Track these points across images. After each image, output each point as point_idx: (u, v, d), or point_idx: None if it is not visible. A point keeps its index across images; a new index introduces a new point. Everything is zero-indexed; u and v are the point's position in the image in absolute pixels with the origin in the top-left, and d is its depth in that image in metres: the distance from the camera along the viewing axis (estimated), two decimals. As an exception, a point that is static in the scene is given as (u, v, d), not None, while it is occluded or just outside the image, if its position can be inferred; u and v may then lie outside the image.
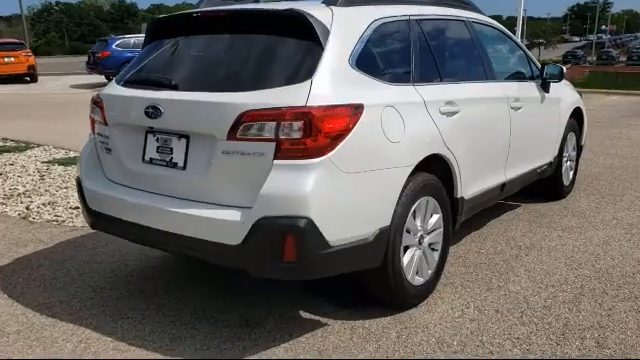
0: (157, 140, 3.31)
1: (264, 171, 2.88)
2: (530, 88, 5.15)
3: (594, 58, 61.71)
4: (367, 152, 3.08)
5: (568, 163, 6.13)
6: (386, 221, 3.22)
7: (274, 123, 2.87)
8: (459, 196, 3.94)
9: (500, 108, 4.50)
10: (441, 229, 3.81)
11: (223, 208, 3.01)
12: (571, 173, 6.28)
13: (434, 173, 3.62)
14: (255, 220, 2.85)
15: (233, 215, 2.93)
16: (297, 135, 2.85)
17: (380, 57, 3.50)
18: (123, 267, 4.32)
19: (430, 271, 3.75)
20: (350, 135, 2.96)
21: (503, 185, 4.67)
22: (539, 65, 5.43)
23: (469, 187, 4.07)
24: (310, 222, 2.81)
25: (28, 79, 23.78)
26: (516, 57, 5.23)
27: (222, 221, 2.93)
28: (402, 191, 3.29)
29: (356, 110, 3.02)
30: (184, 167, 3.18)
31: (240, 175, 2.97)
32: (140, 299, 3.77)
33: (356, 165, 3.01)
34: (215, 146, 3.01)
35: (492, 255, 4.54)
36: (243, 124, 2.91)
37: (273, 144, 2.87)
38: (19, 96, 18.79)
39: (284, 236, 2.82)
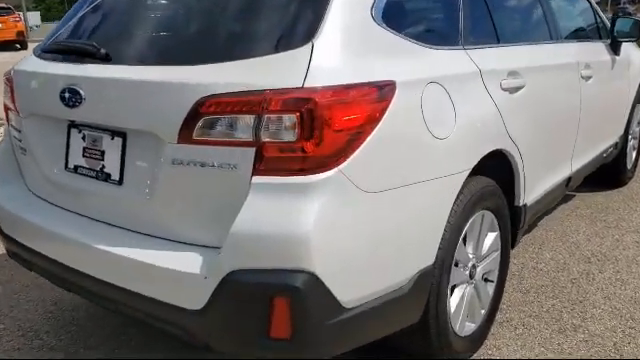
0: (83, 139, 2.20)
1: (237, 194, 1.76)
2: (599, 50, 3.96)
3: (609, 15, 59.38)
4: (401, 158, 1.96)
5: (631, 142, 4.96)
6: (429, 258, 2.11)
7: (252, 117, 1.75)
8: (521, 203, 2.82)
9: (570, 79, 3.32)
10: (498, 252, 2.71)
11: (175, 248, 1.91)
12: (634, 154, 5.12)
13: (490, 175, 2.48)
14: (224, 274, 1.74)
15: (189, 262, 1.83)
16: (290, 136, 1.73)
17: (416, 7, 2.33)
18: (68, 301, 3.23)
19: (483, 311, 2.66)
20: (375, 132, 1.84)
21: (569, 180, 3.54)
22: (606, 20, 4.21)
23: (533, 189, 2.95)
24: (313, 279, 1.71)
25: (18, 46, 22.51)
26: (581, 8, 4.01)
27: (172, 272, 1.82)
28: (452, 209, 2.16)
29: (384, 91, 1.88)
30: (120, 181, 2.07)
31: (199, 198, 1.86)
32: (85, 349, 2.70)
33: (384, 180, 1.89)
34: (161, 152, 1.90)
35: (555, 272, 3.44)
36: (202, 118, 1.79)
37: (251, 150, 1.76)
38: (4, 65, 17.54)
39: (270, 302, 1.72)
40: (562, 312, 3.02)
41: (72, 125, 2.24)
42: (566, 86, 3.28)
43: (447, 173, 2.12)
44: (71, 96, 2.08)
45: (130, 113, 1.98)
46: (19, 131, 2.45)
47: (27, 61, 2.48)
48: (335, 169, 1.76)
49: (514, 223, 2.84)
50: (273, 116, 1.74)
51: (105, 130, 2.12)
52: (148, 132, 1.94)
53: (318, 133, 1.72)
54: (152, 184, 1.97)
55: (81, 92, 2.06)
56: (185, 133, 1.84)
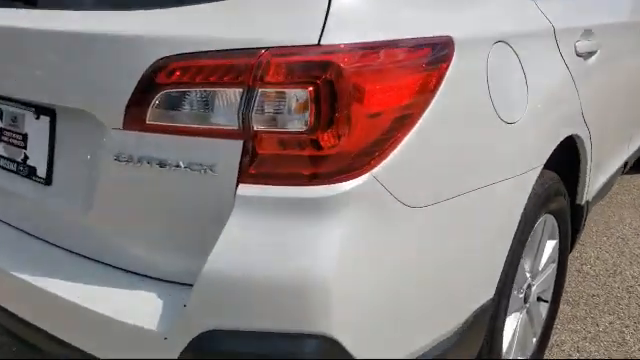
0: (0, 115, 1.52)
1: (214, 210, 1.13)
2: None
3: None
4: (459, 154, 1.30)
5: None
6: (490, 290, 1.49)
7: (238, 91, 1.10)
8: (584, 201, 2.19)
9: (637, 41, 2.66)
10: (554, 264, 2.09)
11: (120, 282, 1.27)
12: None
13: (552, 167, 1.85)
14: (193, 336, 1.10)
15: (140, 309, 1.18)
16: (297, 123, 1.09)
17: None
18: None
19: (535, 339, 2.07)
20: (426, 116, 1.18)
21: (625, 164, 2.92)
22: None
23: (595, 181, 2.32)
24: (333, 347, 1.07)
25: None
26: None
27: (113, 323, 1.18)
28: (520, 220, 1.54)
29: (438, 53, 1.22)
30: (47, 179, 1.43)
31: (157, 213, 1.22)
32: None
33: (435, 187, 1.26)
34: (101, 141, 1.25)
35: (605, 277, 2.85)
36: (160, 92, 1.15)
37: (236, 145, 1.12)
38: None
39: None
40: (624, 333, 2.44)
41: (-17, 96, 1.57)
42: (635, 51, 2.62)
43: (517, 172, 1.49)
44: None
45: (57, 82, 1.32)
46: None
47: None
48: (367, 175, 1.12)
49: (575, 224, 2.22)
50: (271, 90, 1.09)
51: (27, 105, 1.45)
52: (82, 111, 1.29)
53: (343, 118, 1.08)
54: (90, 187, 1.32)
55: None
56: (134, 115, 1.18)
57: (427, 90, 1.20)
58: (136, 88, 1.17)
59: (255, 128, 1.11)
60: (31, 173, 1.48)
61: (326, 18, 1.10)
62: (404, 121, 1.17)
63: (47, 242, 1.47)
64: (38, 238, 1.49)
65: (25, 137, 1.49)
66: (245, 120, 1.11)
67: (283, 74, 1.08)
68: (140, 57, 1.16)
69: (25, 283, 1.35)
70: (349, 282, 1.10)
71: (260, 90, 1.09)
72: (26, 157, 1.49)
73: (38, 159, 1.47)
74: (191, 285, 1.17)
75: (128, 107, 1.18)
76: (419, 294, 1.25)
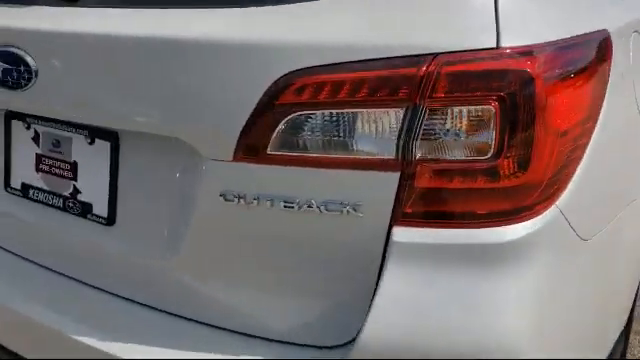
0: (35, 139, 1.23)
1: (354, 258, 0.89)
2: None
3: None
4: (621, 168, 1.10)
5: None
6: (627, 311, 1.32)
7: (396, 111, 0.84)
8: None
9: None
10: None
11: (225, 346, 1.02)
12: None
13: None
14: None
15: None
16: (474, 147, 0.86)
17: None
18: None
19: None
20: (598, 125, 0.96)
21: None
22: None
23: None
24: None
25: None
26: None
27: None
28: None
29: (602, 49, 1.00)
30: (109, 219, 1.14)
31: (276, 263, 0.98)
32: None
33: (601, 213, 1.04)
34: (198, 175, 0.98)
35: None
36: (288, 115, 0.88)
37: (391, 178, 0.89)
38: None
39: None
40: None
41: (13, 115, 1.27)
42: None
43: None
44: (10, 68, 1.11)
45: (128, 101, 1.05)
46: None
47: None
48: (553, 207, 0.90)
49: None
50: (441, 108, 0.85)
51: (77, 127, 1.17)
52: (165, 137, 1.02)
53: (533, 139, 0.85)
54: (178, 229, 1.06)
55: (28, 60, 1.09)
56: (251, 143, 0.93)
57: (599, 95, 1.00)
58: (255, 110, 0.91)
59: (418, 156, 0.87)
60: (85, 211, 1.20)
61: (497, 16, 0.87)
62: (583, 136, 0.96)
63: (108, 293, 1.20)
64: (95, 288, 1.21)
65: (74, 166, 1.21)
66: (405, 147, 0.87)
67: (457, 87, 0.85)
68: (261, 71, 0.91)
69: (96, 351, 1.08)
70: (542, 340, 0.89)
71: (426, 108, 0.85)
72: (76, 191, 1.21)
73: (94, 193, 1.19)
74: (322, 348, 0.94)
75: (243, 134, 0.93)
76: (596, 332, 1.06)
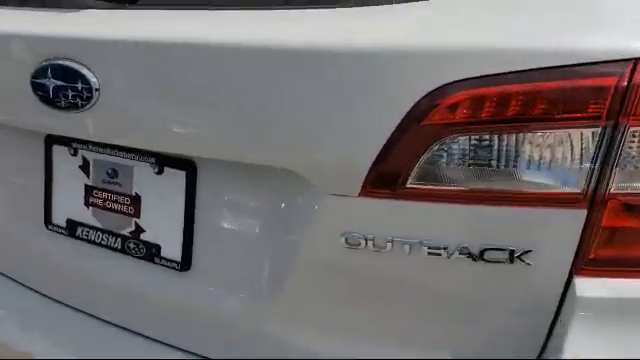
0: (84, 168, 1.03)
1: (527, 322, 0.71)
2: None
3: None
4: None
5: None
6: None
7: (582, 132, 0.65)
8: None
9: None
10: None
11: None
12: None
13: None
14: None
15: None
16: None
17: None
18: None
19: None
20: None
21: None
22: None
23: None
24: None
25: None
26: None
27: None
28: None
29: None
30: (184, 263, 0.94)
31: (409, 314, 0.80)
32: None
33: None
34: (309, 214, 0.79)
35: None
36: (441, 139, 0.68)
37: (575, 215, 0.66)
38: None
39: None
40: None
41: (54, 140, 1.07)
42: None
43: None
44: (63, 85, 0.91)
45: (213, 124, 0.85)
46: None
47: None
48: None
49: None
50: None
51: (141, 154, 0.97)
52: (270, 169, 0.82)
53: None
54: (276, 278, 0.86)
55: (87, 75, 0.89)
56: (387, 175, 0.74)
57: None
58: (394, 133, 0.72)
59: (613, 189, 0.68)
60: (152, 253, 1.01)
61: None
62: None
63: (182, 350, 1.00)
64: (165, 344, 1.01)
65: (136, 200, 1.01)
66: (597, 177, 0.68)
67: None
68: (402, 86, 0.71)
69: None
70: None
71: (629, 128, 0.66)
72: (139, 229, 1.01)
73: (163, 233, 0.99)
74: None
75: (376, 163, 0.74)
76: None
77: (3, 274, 1.20)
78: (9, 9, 1.01)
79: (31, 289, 1.17)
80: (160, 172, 0.98)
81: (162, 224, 1.00)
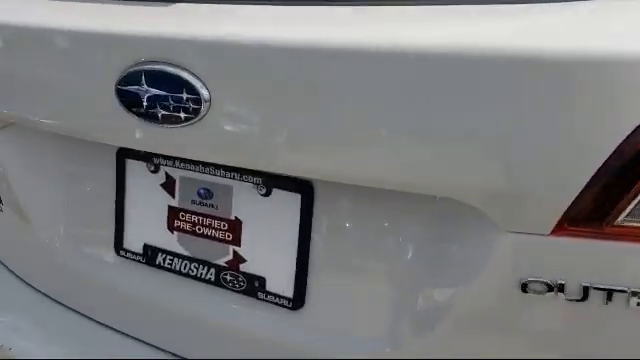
0: (168, 186, 0.88)
1: None
2: None
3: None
4: None
5: None
6: None
7: None
8: None
9: None
10: None
11: None
12: None
13: None
14: None
15: None
16: None
17: None
18: None
19: None
20: None
21: None
22: None
23: None
24: None
25: None
26: None
27: None
28: None
29: None
30: (295, 300, 0.81)
31: None
32: None
33: None
34: (479, 254, 0.64)
35: None
36: None
37: None
38: None
39: None
40: None
41: (132, 155, 0.92)
42: None
43: None
44: (164, 95, 0.75)
45: (346, 142, 0.70)
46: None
47: None
48: None
49: None
50: None
51: (243, 173, 0.82)
52: (422, 197, 0.69)
53: None
54: (420, 322, 0.73)
55: (195, 85, 0.74)
56: (589, 209, 0.60)
57: None
58: (608, 161, 0.58)
59: None
60: (254, 287, 0.87)
61: None
62: None
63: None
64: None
65: (235, 225, 0.87)
66: None
67: None
68: (624, 101, 0.58)
69: None
70: None
71: None
72: (239, 259, 0.87)
73: (269, 264, 0.86)
74: None
75: (581, 196, 0.60)
76: None
77: (66, 306, 1.05)
78: (94, 3, 0.85)
79: (98, 322, 1.02)
80: (267, 194, 0.84)
81: (268, 254, 0.86)
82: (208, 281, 0.91)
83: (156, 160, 0.92)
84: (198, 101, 0.74)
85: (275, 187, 0.83)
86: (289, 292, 0.85)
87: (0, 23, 0.89)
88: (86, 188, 1.01)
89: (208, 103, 0.74)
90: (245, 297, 0.88)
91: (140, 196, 0.96)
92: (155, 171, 0.93)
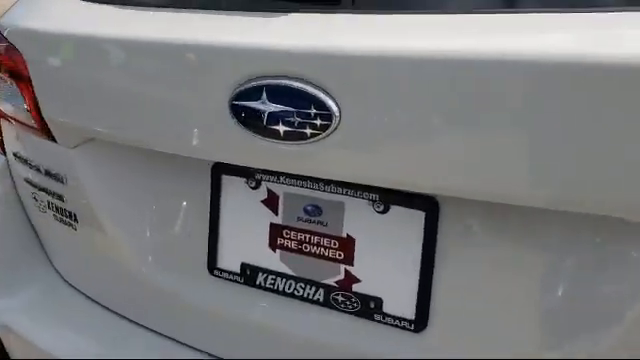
0: (270, 202, 0.84)
1: None
2: None
3: None
4: None
5: None
6: None
7: None
8: None
9: None
10: None
11: None
12: None
13: None
14: None
15: None
16: None
17: None
18: None
19: None
20: None
21: None
22: None
23: None
24: None
25: None
26: None
27: None
28: None
29: None
30: (418, 322, 0.77)
31: None
32: None
33: None
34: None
35: None
36: None
37: None
38: None
39: None
40: None
41: (229, 171, 0.88)
42: None
43: None
44: (289, 111, 0.72)
45: (489, 156, 0.66)
46: (56, 176, 1.05)
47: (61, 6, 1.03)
48: None
49: None
50: None
51: (357, 189, 0.78)
52: (582, 217, 0.65)
53: None
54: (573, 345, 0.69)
55: (325, 100, 0.70)
56: None
57: None
58: None
59: None
60: (369, 308, 0.83)
61: None
62: None
63: None
64: None
65: (347, 243, 0.83)
66: None
67: None
68: None
69: None
70: None
71: None
72: (351, 278, 0.84)
73: (386, 283, 0.82)
74: None
75: None
76: None
77: (151, 329, 1.01)
78: (210, 13, 0.81)
79: (188, 346, 0.98)
80: (385, 211, 0.80)
81: (385, 273, 0.82)
82: (316, 302, 0.87)
83: (257, 176, 0.88)
84: (328, 117, 0.71)
85: (394, 204, 0.80)
86: (409, 313, 0.81)
87: (102, 36, 0.85)
88: (175, 205, 0.97)
89: (338, 118, 0.70)
90: (359, 319, 0.84)
91: (237, 213, 0.92)
92: (256, 187, 0.89)
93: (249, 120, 0.75)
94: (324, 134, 0.72)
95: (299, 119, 0.72)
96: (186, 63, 0.79)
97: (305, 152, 0.74)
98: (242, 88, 0.75)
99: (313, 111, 0.71)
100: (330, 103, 0.70)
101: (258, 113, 0.74)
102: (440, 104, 0.67)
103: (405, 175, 0.73)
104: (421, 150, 0.70)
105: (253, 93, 0.74)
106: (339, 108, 0.70)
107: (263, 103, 0.74)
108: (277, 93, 0.73)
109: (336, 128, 0.71)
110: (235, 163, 0.85)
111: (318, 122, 0.71)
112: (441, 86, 0.66)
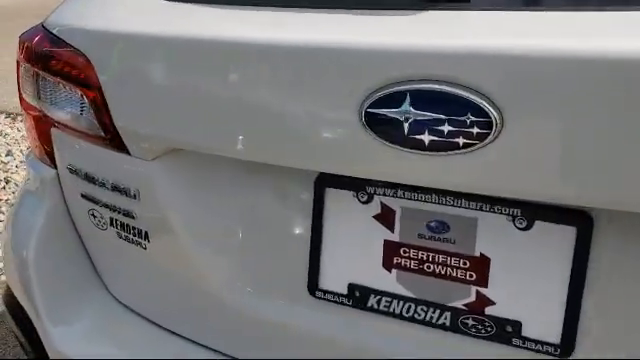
0: (383, 218, 0.76)
1: None
2: None
3: None
4: None
5: None
6: None
7: None
8: None
9: None
10: None
11: None
12: None
13: None
14: None
15: None
16: None
17: None
18: None
19: None
20: None
21: None
22: None
23: None
24: None
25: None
26: None
27: None
28: None
29: None
30: (564, 346, 0.69)
31: None
32: None
33: None
34: None
35: None
36: None
37: None
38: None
39: None
40: None
41: (335, 184, 0.79)
42: None
43: None
44: (440, 119, 0.64)
45: None
46: (126, 191, 0.95)
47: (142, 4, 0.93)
48: None
49: None
50: None
51: (491, 203, 0.71)
52: None
53: None
54: None
55: (486, 107, 0.62)
56: None
57: None
58: None
59: None
60: (506, 332, 0.76)
61: None
62: None
63: None
64: None
65: (480, 263, 0.76)
66: None
67: None
68: None
69: None
70: None
71: None
72: (484, 301, 0.76)
73: (527, 306, 0.74)
74: None
75: None
76: None
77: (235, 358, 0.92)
78: (335, 12, 0.72)
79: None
80: (528, 227, 0.73)
81: (525, 294, 0.75)
82: (441, 326, 0.79)
83: (369, 189, 0.80)
84: (487, 125, 0.63)
85: (539, 219, 0.72)
86: (554, 338, 0.74)
87: (196, 37, 0.76)
88: (269, 221, 0.88)
89: (500, 126, 0.63)
90: (494, 344, 0.77)
91: (344, 230, 0.83)
92: (367, 201, 0.81)
93: (385, 128, 0.67)
94: (481, 144, 0.64)
95: (450, 127, 0.64)
96: (300, 67, 0.70)
97: (452, 164, 0.66)
98: (381, 94, 0.66)
99: (470, 118, 0.63)
100: (490, 109, 0.62)
101: (396, 121, 0.66)
102: (616, 108, 0.60)
103: (563, 188, 0.66)
104: (587, 160, 0.63)
105: (393, 99, 0.66)
106: (501, 114, 0.63)
107: (405, 110, 0.66)
108: (423, 99, 0.65)
109: (497, 137, 0.63)
110: (357, 175, 0.77)
111: (475, 130, 0.63)
112: (618, 88, 0.59)
